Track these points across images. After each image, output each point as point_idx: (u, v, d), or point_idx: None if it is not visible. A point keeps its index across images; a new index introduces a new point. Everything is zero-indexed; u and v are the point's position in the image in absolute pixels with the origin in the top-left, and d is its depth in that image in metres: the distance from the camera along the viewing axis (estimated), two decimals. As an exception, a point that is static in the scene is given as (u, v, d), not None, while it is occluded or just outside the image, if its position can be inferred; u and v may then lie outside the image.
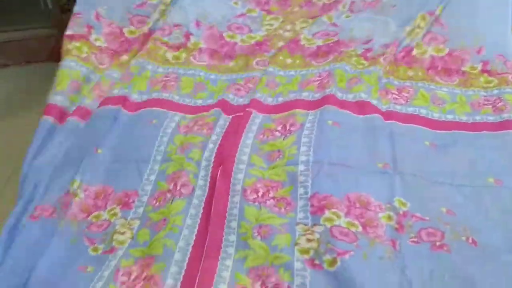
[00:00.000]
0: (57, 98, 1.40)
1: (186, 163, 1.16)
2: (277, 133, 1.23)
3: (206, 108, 1.36)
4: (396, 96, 1.37)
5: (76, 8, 1.63)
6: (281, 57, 1.53)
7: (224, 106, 1.34)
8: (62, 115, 1.37)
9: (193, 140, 1.23)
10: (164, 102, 1.38)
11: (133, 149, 1.23)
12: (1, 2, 2.95)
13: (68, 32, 1.57)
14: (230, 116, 1.30)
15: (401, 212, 1.02)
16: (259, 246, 0.97)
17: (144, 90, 1.43)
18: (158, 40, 1.58)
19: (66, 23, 2.29)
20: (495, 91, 1.37)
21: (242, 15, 1.71)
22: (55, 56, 2.74)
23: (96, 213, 1.11)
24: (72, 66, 1.49)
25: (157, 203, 1.10)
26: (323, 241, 0.96)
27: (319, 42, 1.58)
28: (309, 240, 0.97)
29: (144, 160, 1.20)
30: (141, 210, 1.10)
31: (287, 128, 1.24)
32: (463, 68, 1.46)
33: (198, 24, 1.63)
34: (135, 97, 1.40)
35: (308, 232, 0.99)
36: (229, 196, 1.07)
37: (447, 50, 1.52)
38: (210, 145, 1.20)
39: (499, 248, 0.95)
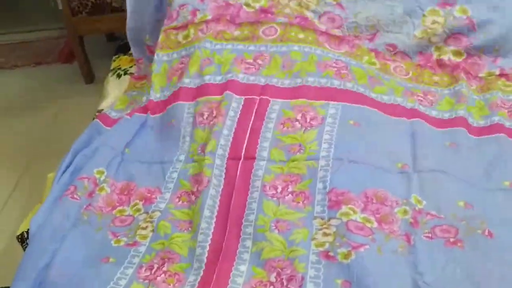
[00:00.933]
0: (112, 114, 1.47)
1: (204, 159, 1.17)
2: (297, 124, 1.23)
3: (216, 87, 1.35)
4: (421, 99, 1.37)
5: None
6: (293, 33, 1.47)
7: (234, 87, 1.33)
8: (111, 123, 1.42)
9: (210, 134, 1.23)
10: (180, 91, 1.38)
11: (158, 152, 1.28)
12: (12, 4, 2.99)
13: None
14: (243, 98, 1.31)
15: (416, 209, 1.04)
16: (276, 239, 0.98)
17: (165, 85, 1.44)
18: (167, 29, 1.56)
19: (76, 26, 2.33)
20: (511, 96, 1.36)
21: None
22: (64, 57, 2.78)
23: (120, 208, 1.15)
24: (133, 95, 1.56)
25: (180, 202, 1.13)
26: (339, 234, 0.97)
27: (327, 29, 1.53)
28: (325, 234, 0.98)
29: (169, 161, 1.24)
30: (163, 205, 1.13)
31: (307, 120, 1.24)
32: (480, 74, 1.46)
33: None
34: (157, 96, 1.42)
35: (324, 226, 1.00)
36: (249, 192, 1.09)
37: (464, 56, 1.49)
38: (225, 132, 1.21)
39: None
